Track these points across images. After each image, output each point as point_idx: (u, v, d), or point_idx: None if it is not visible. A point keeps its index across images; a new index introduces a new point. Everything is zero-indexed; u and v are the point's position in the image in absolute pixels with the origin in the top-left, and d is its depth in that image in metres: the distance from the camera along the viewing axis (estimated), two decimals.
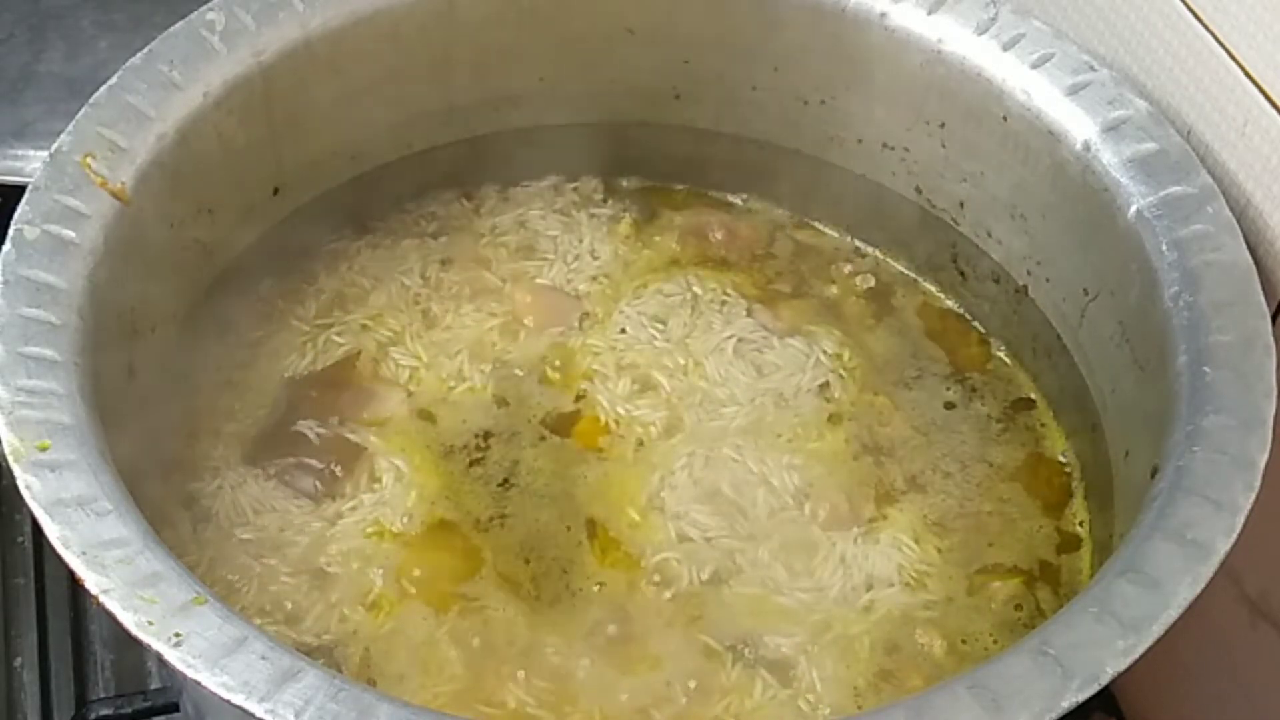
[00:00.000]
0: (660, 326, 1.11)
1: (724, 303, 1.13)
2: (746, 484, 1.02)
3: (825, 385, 1.08)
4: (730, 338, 1.10)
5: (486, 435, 1.04)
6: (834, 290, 1.15)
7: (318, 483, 1.00)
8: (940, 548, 1.00)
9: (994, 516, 1.02)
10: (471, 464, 1.02)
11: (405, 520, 0.98)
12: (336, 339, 1.08)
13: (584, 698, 0.92)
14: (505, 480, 1.02)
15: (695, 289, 1.13)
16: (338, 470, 1.00)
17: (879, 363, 1.11)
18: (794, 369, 1.08)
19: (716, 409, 1.06)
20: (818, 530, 1.00)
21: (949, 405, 1.09)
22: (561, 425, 1.05)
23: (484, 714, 0.90)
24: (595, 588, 0.97)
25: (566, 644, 0.94)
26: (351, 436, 1.02)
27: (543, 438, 1.04)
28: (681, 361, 1.08)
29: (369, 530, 0.98)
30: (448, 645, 0.93)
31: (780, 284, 1.15)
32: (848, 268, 1.17)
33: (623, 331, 1.10)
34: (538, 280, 1.13)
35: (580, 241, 1.16)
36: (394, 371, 1.07)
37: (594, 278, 1.14)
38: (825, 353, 1.10)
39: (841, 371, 1.09)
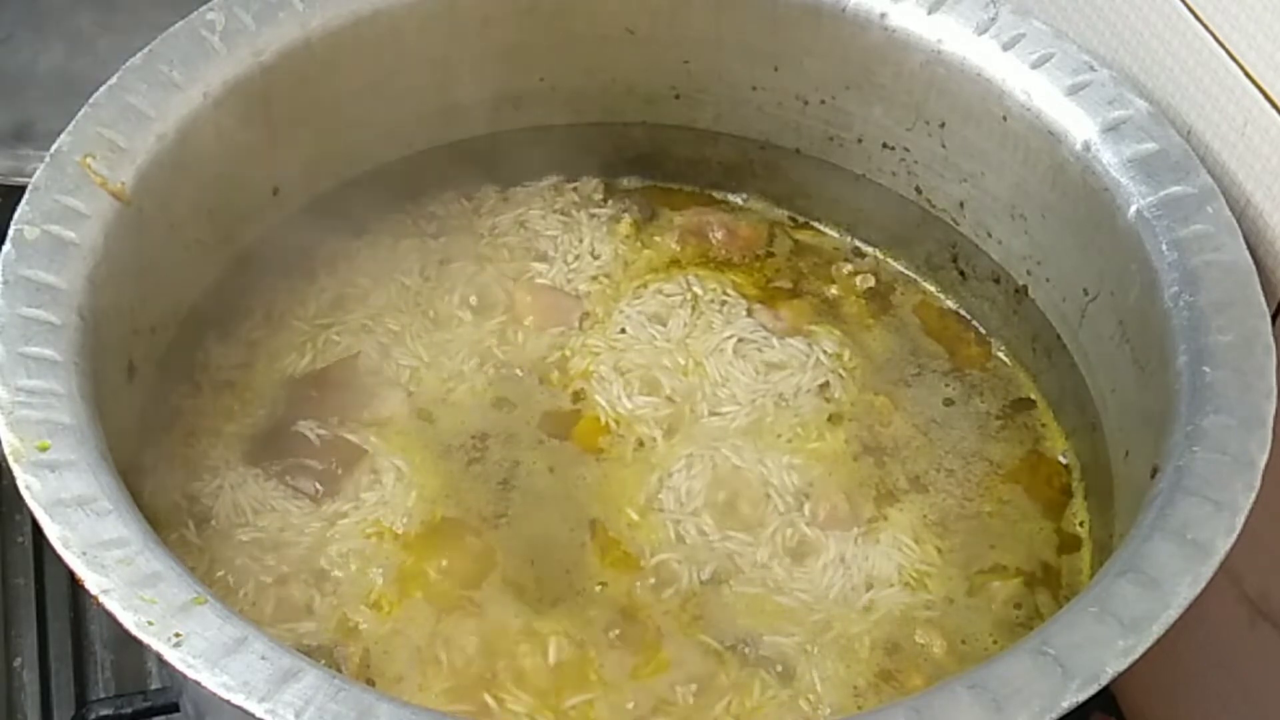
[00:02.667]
0: (660, 326, 1.11)
1: (724, 303, 1.13)
2: (746, 484, 1.02)
3: (825, 385, 1.08)
4: (730, 338, 1.10)
5: (484, 436, 1.04)
6: (834, 290, 1.15)
7: (318, 483, 1.00)
8: (940, 548, 1.00)
9: (995, 518, 1.02)
10: (470, 463, 1.02)
11: (405, 520, 0.98)
12: (336, 339, 1.08)
13: (584, 698, 0.92)
14: (504, 480, 1.02)
15: (695, 289, 1.13)
16: (338, 470, 1.00)
17: (879, 362, 1.11)
18: (794, 369, 1.08)
19: (716, 409, 1.06)
20: (817, 530, 1.00)
21: (948, 402, 1.09)
22: (561, 426, 1.05)
23: (484, 714, 0.90)
24: (597, 588, 0.97)
25: (568, 645, 0.94)
26: (351, 437, 1.02)
27: (540, 441, 1.04)
28: (681, 361, 1.08)
29: (369, 531, 0.98)
30: (448, 645, 0.93)
31: (780, 283, 1.15)
32: (847, 268, 1.17)
33: (623, 331, 1.10)
34: (538, 280, 1.13)
35: (580, 241, 1.16)
36: (394, 371, 1.07)
37: (594, 277, 1.14)
38: (825, 353, 1.10)
39: (841, 371, 1.09)
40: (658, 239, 1.17)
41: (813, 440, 1.05)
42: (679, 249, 1.17)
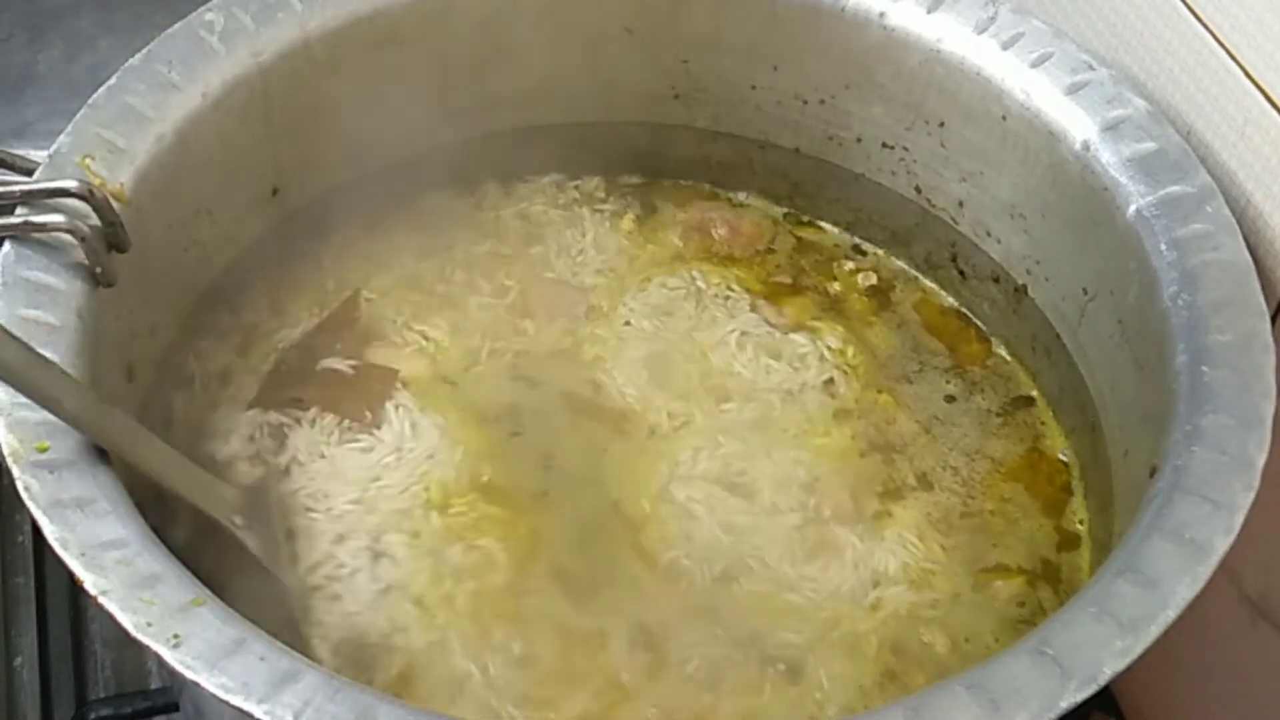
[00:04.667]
0: (665, 319, 1.10)
1: (728, 298, 1.12)
2: (754, 479, 1.01)
3: (830, 381, 1.08)
4: (733, 332, 1.10)
5: (518, 410, 1.03)
6: (836, 287, 1.15)
7: (367, 409, 1.00)
8: (944, 545, 1.00)
9: (997, 516, 1.02)
10: (512, 435, 1.02)
11: (454, 476, 0.98)
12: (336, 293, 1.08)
13: (599, 695, 0.91)
14: (546, 456, 1.01)
15: (699, 283, 1.13)
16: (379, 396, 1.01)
17: (881, 358, 1.10)
18: (799, 365, 1.08)
19: (724, 401, 1.06)
20: (823, 527, 1.00)
21: (950, 399, 1.09)
22: (585, 409, 1.05)
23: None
24: (631, 578, 0.96)
25: (590, 640, 0.93)
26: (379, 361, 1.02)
27: (572, 422, 1.03)
28: (688, 353, 1.08)
29: (419, 487, 0.97)
30: (496, 652, 0.92)
31: (782, 279, 1.15)
32: (849, 265, 1.17)
33: (627, 324, 1.10)
34: (544, 274, 1.13)
35: (583, 236, 1.16)
36: (414, 339, 1.06)
37: (599, 271, 1.14)
38: (829, 349, 1.09)
39: (845, 368, 1.09)
40: (660, 234, 1.17)
41: (819, 436, 1.05)
42: (682, 245, 1.17)
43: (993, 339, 1.12)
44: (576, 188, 1.19)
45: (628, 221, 1.17)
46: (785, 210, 1.20)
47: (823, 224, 1.19)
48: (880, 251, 1.17)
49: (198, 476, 0.90)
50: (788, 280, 1.15)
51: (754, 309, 1.12)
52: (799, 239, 1.19)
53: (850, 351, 1.10)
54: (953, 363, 1.11)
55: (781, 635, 0.94)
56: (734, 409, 1.05)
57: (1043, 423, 1.08)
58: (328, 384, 1.02)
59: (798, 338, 1.10)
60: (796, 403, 1.06)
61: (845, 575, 0.98)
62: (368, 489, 0.98)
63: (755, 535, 0.99)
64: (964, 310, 1.14)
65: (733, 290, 1.13)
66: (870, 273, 1.16)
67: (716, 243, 1.17)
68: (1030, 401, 1.09)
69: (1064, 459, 1.06)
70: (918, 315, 1.14)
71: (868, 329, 1.12)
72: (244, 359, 1.05)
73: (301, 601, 0.93)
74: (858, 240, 1.18)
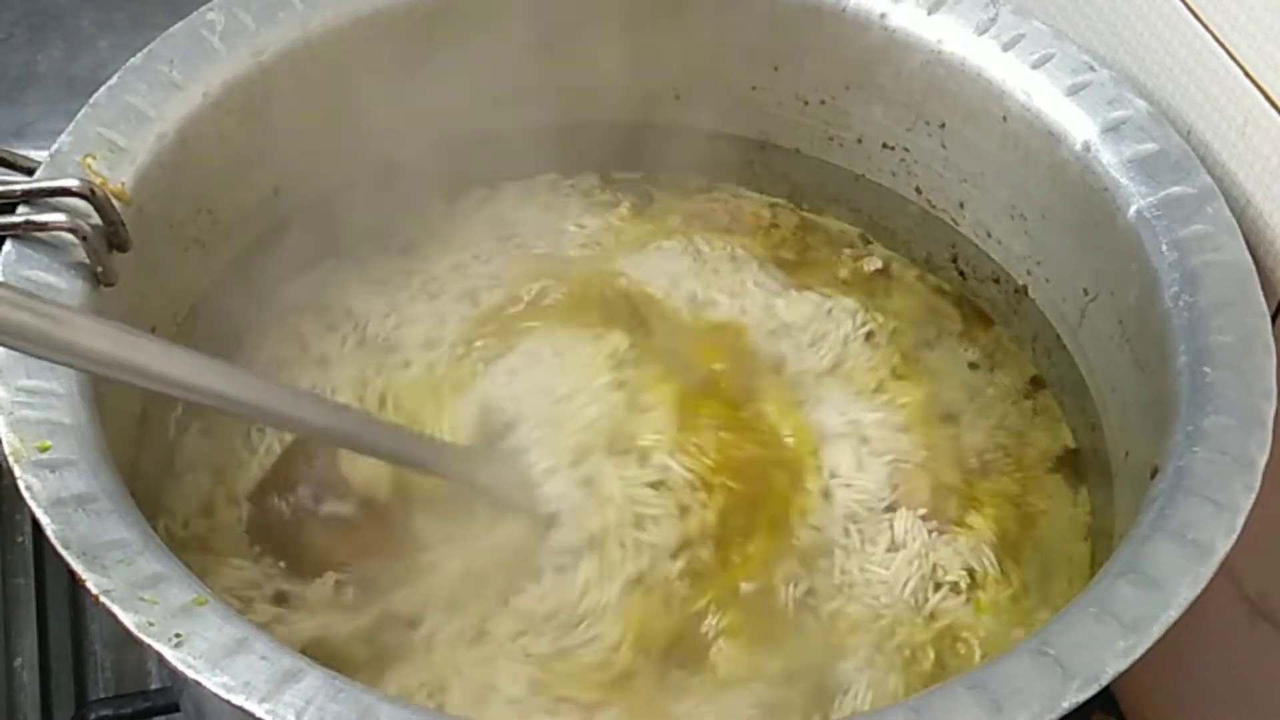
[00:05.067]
0: (666, 271, 1.09)
1: (734, 258, 1.11)
2: (861, 445, 0.99)
3: (871, 334, 1.06)
4: (744, 281, 1.08)
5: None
6: (843, 272, 1.14)
7: None
8: (1014, 558, 0.97)
9: (1047, 514, 1.00)
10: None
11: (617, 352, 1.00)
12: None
13: None
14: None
15: (701, 247, 1.11)
16: None
17: (904, 322, 1.09)
18: (830, 321, 1.07)
19: (806, 347, 1.04)
20: (904, 514, 0.97)
21: (973, 365, 1.08)
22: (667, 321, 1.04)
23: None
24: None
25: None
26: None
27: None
28: (712, 298, 1.07)
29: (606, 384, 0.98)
30: None
31: (788, 254, 1.14)
32: (848, 251, 1.16)
33: (623, 275, 1.09)
34: (528, 249, 1.13)
35: (562, 218, 1.15)
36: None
37: (583, 245, 1.12)
38: (847, 309, 1.08)
39: (878, 326, 1.07)
40: (659, 219, 1.16)
41: (903, 395, 1.03)
42: (682, 226, 1.15)
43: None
44: (572, 185, 1.19)
45: (624, 209, 1.16)
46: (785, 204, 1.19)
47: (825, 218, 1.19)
48: (880, 248, 1.17)
49: (428, 442, 0.93)
50: (792, 257, 1.14)
51: (763, 269, 1.10)
52: (803, 218, 1.17)
53: (879, 317, 1.08)
54: (963, 328, 1.10)
55: (842, 664, 0.91)
56: (813, 355, 1.04)
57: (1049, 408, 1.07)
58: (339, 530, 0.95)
59: (812, 295, 1.09)
60: (853, 355, 1.04)
61: (913, 572, 0.95)
62: (550, 410, 0.97)
63: (837, 531, 0.97)
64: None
65: (738, 253, 1.11)
66: (873, 259, 1.15)
67: (719, 224, 1.16)
68: (1042, 383, 1.08)
69: (1072, 446, 1.05)
70: (924, 285, 1.13)
71: (886, 298, 1.11)
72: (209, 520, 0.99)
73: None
74: (861, 230, 1.17)
